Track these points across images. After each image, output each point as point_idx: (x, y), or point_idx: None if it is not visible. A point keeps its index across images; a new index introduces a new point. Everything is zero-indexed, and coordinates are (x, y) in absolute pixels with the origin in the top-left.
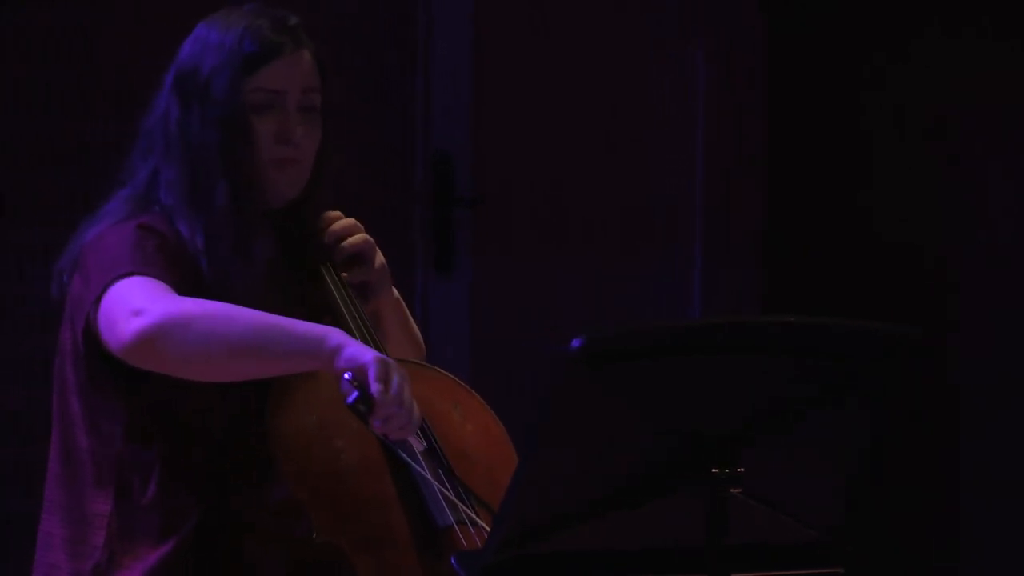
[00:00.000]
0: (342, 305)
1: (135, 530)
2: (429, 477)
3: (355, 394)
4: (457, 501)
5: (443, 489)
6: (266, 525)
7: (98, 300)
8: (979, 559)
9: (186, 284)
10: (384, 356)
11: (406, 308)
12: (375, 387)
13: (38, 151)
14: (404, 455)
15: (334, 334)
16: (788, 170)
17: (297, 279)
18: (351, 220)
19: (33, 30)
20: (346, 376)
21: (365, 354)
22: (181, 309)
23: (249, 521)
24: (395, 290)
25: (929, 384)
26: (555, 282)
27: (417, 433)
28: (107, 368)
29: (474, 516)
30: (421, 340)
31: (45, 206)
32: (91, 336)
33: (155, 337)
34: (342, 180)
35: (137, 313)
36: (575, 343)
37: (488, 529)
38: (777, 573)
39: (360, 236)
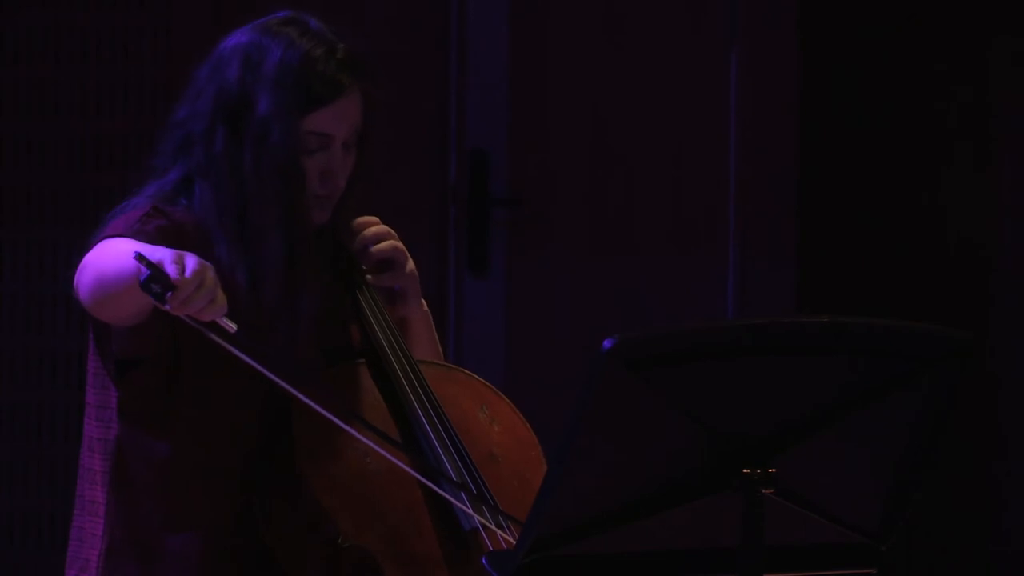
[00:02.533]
0: (370, 314)
1: (145, 526)
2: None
3: (147, 272)
4: (481, 504)
5: (467, 490)
6: (293, 528)
7: None
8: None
9: None
10: (183, 251)
11: (432, 322)
12: (171, 268)
13: (38, 151)
14: (420, 454)
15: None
16: (821, 171)
17: (329, 291)
18: (383, 227)
19: (33, 30)
20: (133, 255)
21: (160, 251)
22: (96, 252)
23: (276, 524)
24: (424, 302)
25: (971, 385)
26: (590, 283)
27: (226, 317)
28: (106, 348)
29: (495, 519)
30: (442, 355)
31: (44, 206)
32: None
33: (76, 282)
34: (374, 181)
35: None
36: (606, 344)
37: (513, 531)
38: (810, 574)
39: (389, 243)
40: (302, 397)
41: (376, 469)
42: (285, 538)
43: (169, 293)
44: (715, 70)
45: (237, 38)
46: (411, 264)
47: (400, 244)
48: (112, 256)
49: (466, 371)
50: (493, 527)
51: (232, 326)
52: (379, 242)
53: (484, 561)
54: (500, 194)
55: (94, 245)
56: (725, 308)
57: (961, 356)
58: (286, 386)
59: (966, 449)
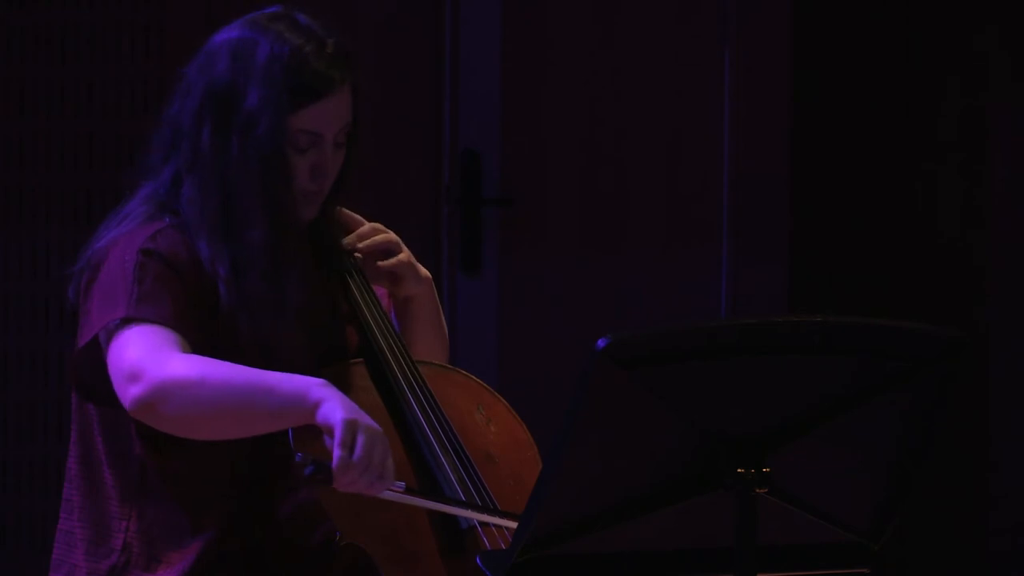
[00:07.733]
0: (366, 310)
1: (154, 534)
2: (453, 479)
3: (310, 468)
4: (479, 503)
5: (465, 490)
6: (291, 529)
7: (98, 343)
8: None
9: (189, 302)
10: (355, 416)
11: (435, 291)
12: (337, 452)
13: (35, 151)
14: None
15: (314, 388)
16: (814, 170)
17: (324, 287)
18: (391, 236)
19: (37, 30)
20: (297, 458)
21: (335, 413)
22: (171, 375)
23: (274, 526)
24: (423, 268)
25: (966, 384)
26: (583, 282)
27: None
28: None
29: (496, 518)
30: (446, 334)
31: (42, 206)
32: (95, 356)
33: (149, 405)
34: (363, 176)
35: (132, 379)
36: (600, 344)
37: (510, 530)
38: (803, 573)
39: (396, 259)
40: (481, 515)
41: None
42: (282, 537)
43: (333, 481)
44: (708, 68)
45: (226, 34)
46: (406, 250)
47: (407, 256)
48: (228, 391)
49: (463, 371)
50: (490, 525)
51: (400, 485)
52: (388, 255)
53: (478, 560)
54: (492, 194)
55: (111, 328)
56: (718, 307)
57: (955, 355)
58: (459, 511)
59: (963, 449)
